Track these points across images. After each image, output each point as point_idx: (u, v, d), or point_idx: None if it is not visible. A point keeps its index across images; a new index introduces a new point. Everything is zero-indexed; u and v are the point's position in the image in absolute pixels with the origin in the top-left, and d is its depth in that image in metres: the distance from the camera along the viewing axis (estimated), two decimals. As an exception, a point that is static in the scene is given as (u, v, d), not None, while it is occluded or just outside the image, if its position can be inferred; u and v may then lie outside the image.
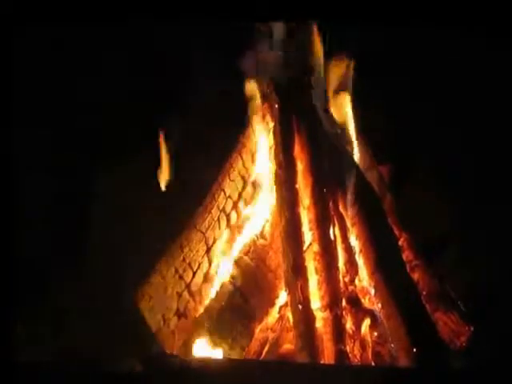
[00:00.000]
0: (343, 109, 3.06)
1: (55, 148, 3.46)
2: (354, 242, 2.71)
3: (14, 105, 3.24)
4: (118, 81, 3.50)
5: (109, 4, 3.25)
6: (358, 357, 2.61)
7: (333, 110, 3.03)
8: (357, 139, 3.08)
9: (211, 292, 2.77)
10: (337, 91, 3.05)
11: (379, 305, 2.55)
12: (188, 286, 2.70)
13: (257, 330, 2.70)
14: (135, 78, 3.52)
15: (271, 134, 2.82)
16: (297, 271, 2.52)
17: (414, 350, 2.38)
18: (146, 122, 3.41)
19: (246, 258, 2.73)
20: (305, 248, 2.64)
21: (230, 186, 2.84)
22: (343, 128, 3.03)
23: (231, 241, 2.84)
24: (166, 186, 2.95)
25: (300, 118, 2.80)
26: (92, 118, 3.51)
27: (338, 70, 3.03)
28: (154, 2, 3.29)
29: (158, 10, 3.32)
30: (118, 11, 3.28)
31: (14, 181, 3.15)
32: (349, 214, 2.72)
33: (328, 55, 3.08)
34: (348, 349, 2.53)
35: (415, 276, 2.85)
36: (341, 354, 2.45)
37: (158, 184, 2.85)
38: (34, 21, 3.25)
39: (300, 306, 2.48)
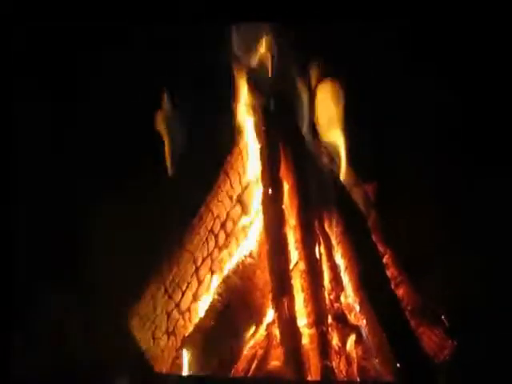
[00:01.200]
0: (329, 128, 3.15)
1: (53, 161, 3.48)
2: (340, 260, 2.76)
3: (14, 104, 3.25)
4: (119, 81, 3.53)
5: (110, 4, 3.29)
6: (343, 372, 2.65)
7: (319, 129, 3.11)
8: (342, 158, 3.15)
9: (200, 311, 2.81)
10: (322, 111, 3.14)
11: (364, 321, 2.61)
12: (177, 305, 2.75)
13: (245, 347, 2.75)
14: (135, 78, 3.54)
15: (258, 155, 2.88)
16: (283, 289, 2.58)
17: (398, 364, 2.44)
18: (140, 140, 3.47)
19: (234, 276, 2.78)
20: (291, 267, 2.70)
21: (218, 206, 2.90)
22: (329, 147, 3.10)
23: (219, 260, 2.89)
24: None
25: (286, 140, 2.87)
26: (92, 121, 3.53)
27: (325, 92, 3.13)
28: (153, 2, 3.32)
29: (158, 9, 3.34)
30: (119, 11, 3.30)
31: (12, 198, 3.19)
32: (334, 232, 2.78)
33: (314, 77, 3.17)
34: (334, 364, 2.58)
35: (400, 292, 2.92)
36: (327, 370, 2.50)
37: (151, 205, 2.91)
38: (34, 21, 3.25)
39: (287, 323, 2.54)
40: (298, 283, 2.67)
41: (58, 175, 3.46)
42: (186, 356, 2.59)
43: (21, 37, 3.29)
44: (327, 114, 3.12)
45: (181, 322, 2.76)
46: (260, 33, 3.04)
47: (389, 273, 2.87)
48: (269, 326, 2.79)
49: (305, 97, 3.02)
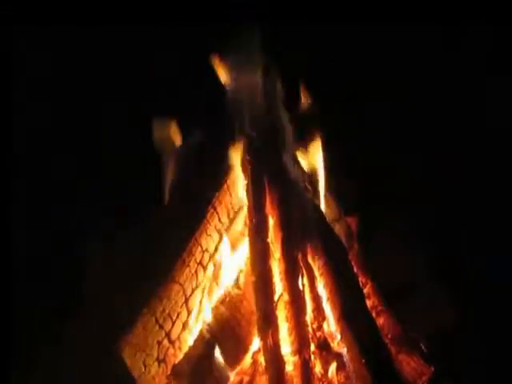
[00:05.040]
0: (312, 162, 3.28)
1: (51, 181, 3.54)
2: (322, 290, 2.86)
3: (14, 105, 3.31)
4: (119, 82, 3.62)
5: (110, 5, 3.37)
6: (325, 398, 2.78)
7: (303, 164, 3.25)
8: (325, 192, 3.28)
9: (190, 339, 2.92)
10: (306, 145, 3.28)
11: (345, 349, 2.70)
12: (167, 334, 2.85)
13: (232, 374, 2.86)
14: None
15: (245, 191, 3.01)
16: (268, 319, 2.70)
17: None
18: (132, 174, 3.56)
19: (221, 307, 2.91)
20: (276, 297, 2.81)
21: (207, 240, 3.01)
22: (312, 182, 3.23)
23: (208, 291, 3.01)
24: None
25: (271, 176, 3.00)
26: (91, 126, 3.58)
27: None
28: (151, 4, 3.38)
29: (157, 12, 3.40)
30: (119, 12, 3.35)
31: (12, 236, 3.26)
32: (317, 264, 2.88)
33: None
34: (316, 390, 2.72)
35: (380, 320, 3.03)
36: (310, 396, 2.64)
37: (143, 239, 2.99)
38: (34, 21, 3.34)
39: (271, 351, 2.65)
40: (282, 313, 2.79)
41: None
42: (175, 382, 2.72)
43: (21, 37, 3.36)
44: (311, 150, 3.28)
45: (171, 350, 2.86)
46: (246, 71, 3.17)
47: (369, 302, 3.02)
48: (254, 353, 2.89)
49: (289, 133, 3.17)
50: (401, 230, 3.51)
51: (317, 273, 2.89)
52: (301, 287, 2.84)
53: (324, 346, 2.87)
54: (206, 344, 2.82)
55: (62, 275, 3.42)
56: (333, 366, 2.81)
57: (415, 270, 3.38)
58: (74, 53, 3.63)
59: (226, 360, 2.84)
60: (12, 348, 3.00)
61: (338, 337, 2.75)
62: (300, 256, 2.90)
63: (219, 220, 3.05)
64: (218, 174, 3.09)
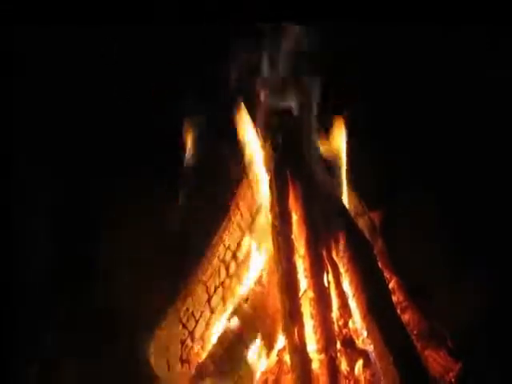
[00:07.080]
0: (336, 157, 3.24)
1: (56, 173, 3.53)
2: (347, 287, 2.82)
3: (14, 105, 3.31)
4: (119, 80, 3.58)
5: (109, 5, 3.35)
6: (352, 396, 2.75)
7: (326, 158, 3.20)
8: (349, 187, 3.24)
9: (213, 338, 2.90)
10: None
11: (371, 346, 2.68)
12: (191, 333, 2.84)
13: (257, 373, 2.83)
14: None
15: (267, 187, 2.96)
16: (293, 317, 2.65)
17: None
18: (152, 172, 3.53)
19: (245, 305, 2.88)
20: (300, 294, 2.76)
21: (229, 237, 2.98)
22: (336, 177, 3.19)
23: (231, 289, 2.97)
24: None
25: (294, 171, 2.93)
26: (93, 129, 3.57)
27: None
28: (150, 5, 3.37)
29: (157, 13, 3.39)
30: (119, 12, 3.35)
31: (15, 225, 3.25)
32: (342, 261, 2.84)
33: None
34: (343, 388, 2.69)
35: (406, 316, 3.01)
36: (336, 395, 2.61)
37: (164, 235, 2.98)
38: (34, 21, 3.29)
39: (297, 350, 2.61)
40: (307, 310, 2.74)
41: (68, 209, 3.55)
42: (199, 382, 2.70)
43: (21, 37, 3.34)
44: (334, 145, 3.24)
45: (194, 349, 2.85)
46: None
47: (395, 298, 2.98)
48: (280, 352, 2.86)
49: (313, 129, 3.12)
50: (424, 224, 3.46)
51: (342, 269, 2.85)
52: (326, 284, 2.80)
53: (349, 343, 2.83)
54: (229, 342, 2.79)
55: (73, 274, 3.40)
56: (359, 364, 2.78)
57: (439, 264, 3.34)
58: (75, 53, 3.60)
59: (250, 359, 2.81)
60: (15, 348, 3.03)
61: (364, 333, 2.73)
62: (325, 252, 2.85)
63: (241, 217, 3.02)
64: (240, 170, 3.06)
